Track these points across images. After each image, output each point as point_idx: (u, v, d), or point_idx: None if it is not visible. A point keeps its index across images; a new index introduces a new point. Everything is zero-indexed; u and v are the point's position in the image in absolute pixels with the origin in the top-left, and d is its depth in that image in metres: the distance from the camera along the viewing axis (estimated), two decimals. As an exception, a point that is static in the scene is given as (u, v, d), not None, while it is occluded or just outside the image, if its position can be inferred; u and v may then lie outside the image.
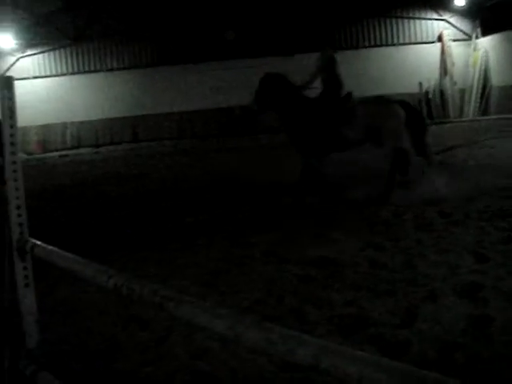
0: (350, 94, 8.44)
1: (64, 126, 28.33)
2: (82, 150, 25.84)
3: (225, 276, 5.07)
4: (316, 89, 8.57)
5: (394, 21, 27.91)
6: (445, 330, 3.50)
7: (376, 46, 27.99)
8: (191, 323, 1.72)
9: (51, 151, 27.46)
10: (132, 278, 2.10)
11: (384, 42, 28.01)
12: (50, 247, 2.77)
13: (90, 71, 28.64)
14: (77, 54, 28.60)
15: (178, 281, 4.99)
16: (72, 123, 28.35)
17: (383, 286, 4.40)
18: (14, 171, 3.11)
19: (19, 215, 3.12)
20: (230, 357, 3.35)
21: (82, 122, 28.27)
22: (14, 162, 3.12)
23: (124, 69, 28.54)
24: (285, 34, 27.33)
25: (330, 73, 8.49)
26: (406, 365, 1.17)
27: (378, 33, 27.98)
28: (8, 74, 26.88)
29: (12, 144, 3.12)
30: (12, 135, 3.12)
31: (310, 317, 3.90)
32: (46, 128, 28.27)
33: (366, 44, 27.97)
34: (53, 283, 5.04)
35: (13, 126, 3.13)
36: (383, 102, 8.51)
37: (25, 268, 3.12)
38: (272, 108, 8.40)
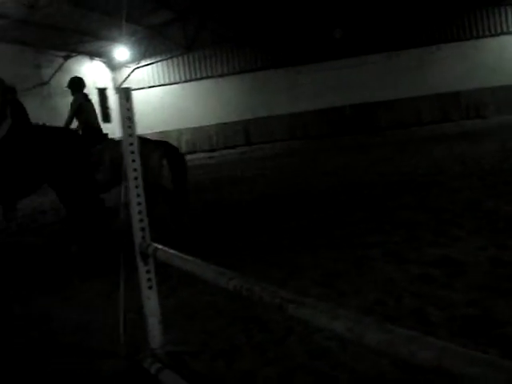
0: (104, 136, 8.40)
1: (179, 132, 29.20)
2: (197, 155, 26.52)
3: (344, 276, 5.03)
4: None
5: (513, 8, 26.57)
6: None
7: (495, 35, 26.67)
8: (310, 324, 1.72)
9: (168, 157, 28.35)
10: (251, 280, 2.13)
11: (504, 31, 26.67)
12: (172, 251, 2.86)
13: (201, 78, 29.37)
14: (188, 62, 29.44)
15: (297, 282, 5.02)
16: (186, 129, 29.19)
17: (507, 285, 4.22)
18: (135, 178, 3.24)
19: (141, 220, 3.25)
20: (350, 357, 3.33)
21: (195, 128, 29.05)
22: (135, 170, 3.25)
23: (234, 74, 29.05)
24: (394, 28, 26.72)
25: (81, 114, 8.43)
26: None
27: (498, 21, 26.69)
28: (124, 84, 28.10)
29: (132, 152, 3.26)
30: (131, 144, 3.26)
31: (431, 317, 3.80)
32: (162, 135, 29.17)
33: (485, 33, 26.70)
34: (174, 285, 5.21)
35: (131, 134, 3.26)
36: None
37: (148, 271, 3.25)
38: None
